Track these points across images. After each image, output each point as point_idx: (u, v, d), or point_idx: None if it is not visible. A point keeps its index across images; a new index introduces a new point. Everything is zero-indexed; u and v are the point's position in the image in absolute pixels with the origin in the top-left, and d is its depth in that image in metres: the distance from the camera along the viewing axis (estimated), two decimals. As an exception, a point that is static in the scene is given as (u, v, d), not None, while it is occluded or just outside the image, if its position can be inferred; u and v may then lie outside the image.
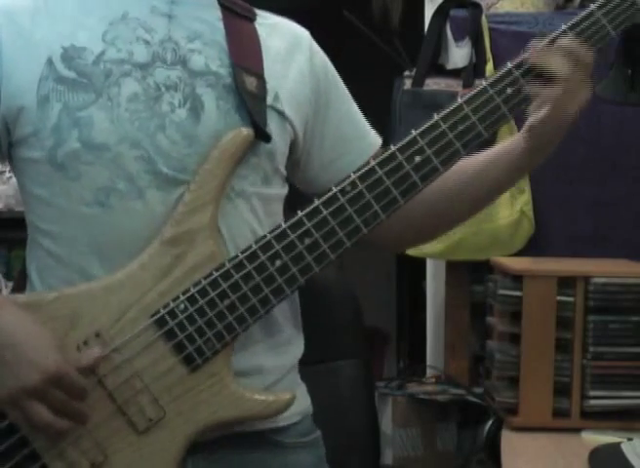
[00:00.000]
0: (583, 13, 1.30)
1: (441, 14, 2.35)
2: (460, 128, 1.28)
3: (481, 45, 2.28)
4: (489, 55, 2.28)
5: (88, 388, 1.19)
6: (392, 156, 1.27)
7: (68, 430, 1.19)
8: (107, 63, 1.25)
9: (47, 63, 1.25)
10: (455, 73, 2.31)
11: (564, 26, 1.29)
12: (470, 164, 1.35)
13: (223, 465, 1.28)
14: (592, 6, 1.30)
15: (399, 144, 1.27)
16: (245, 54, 1.31)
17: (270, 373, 1.31)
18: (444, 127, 1.28)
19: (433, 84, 2.29)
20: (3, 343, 1.17)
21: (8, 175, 2.84)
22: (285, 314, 1.34)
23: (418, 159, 1.27)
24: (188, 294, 1.22)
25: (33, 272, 1.29)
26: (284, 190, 1.36)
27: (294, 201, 1.37)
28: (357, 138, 1.42)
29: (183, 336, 1.22)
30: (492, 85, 1.31)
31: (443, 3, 2.35)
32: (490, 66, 2.27)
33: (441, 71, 2.33)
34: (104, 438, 1.21)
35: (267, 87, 1.30)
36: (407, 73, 2.35)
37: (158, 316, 1.22)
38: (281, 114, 1.31)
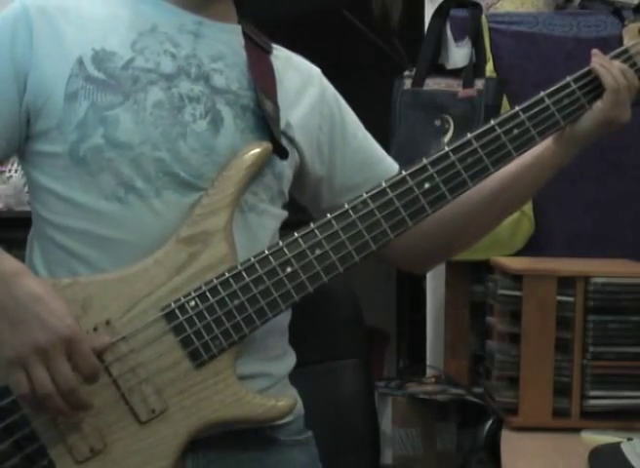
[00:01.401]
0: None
1: (441, 14, 2.35)
2: (469, 160, 1.35)
3: (481, 45, 2.28)
4: (489, 54, 2.28)
5: (98, 371, 1.19)
6: (403, 180, 1.33)
7: (63, 413, 1.18)
8: (136, 70, 1.29)
9: (77, 62, 1.29)
10: (455, 73, 2.31)
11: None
12: (499, 176, 1.41)
13: (223, 461, 1.30)
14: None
15: (410, 170, 1.34)
16: (263, 80, 1.36)
17: (271, 378, 1.35)
18: (453, 158, 1.34)
19: (433, 84, 2.29)
20: (22, 302, 1.18)
21: (8, 174, 2.83)
22: (285, 325, 1.39)
23: (427, 185, 1.33)
24: (200, 292, 1.25)
25: (39, 263, 1.30)
26: (284, 213, 1.41)
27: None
28: (376, 163, 1.49)
29: (192, 332, 1.25)
30: (500, 124, 1.37)
31: (443, 3, 2.35)
32: (490, 66, 2.27)
33: (441, 71, 2.33)
34: (106, 425, 1.23)
35: (280, 114, 1.36)
36: (407, 73, 2.35)
37: (168, 309, 1.25)
38: (291, 141, 1.37)
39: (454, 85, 2.27)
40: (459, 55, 2.31)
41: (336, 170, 1.45)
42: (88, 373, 1.18)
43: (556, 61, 2.24)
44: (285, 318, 1.38)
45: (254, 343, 1.29)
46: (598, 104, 1.39)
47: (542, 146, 1.41)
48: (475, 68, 2.28)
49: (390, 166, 1.50)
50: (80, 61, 1.29)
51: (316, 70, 1.47)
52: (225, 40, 1.37)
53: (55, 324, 1.16)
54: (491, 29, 2.31)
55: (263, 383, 1.33)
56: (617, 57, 1.43)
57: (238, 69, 1.35)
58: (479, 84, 2.23)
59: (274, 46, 1.45)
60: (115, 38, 1.31)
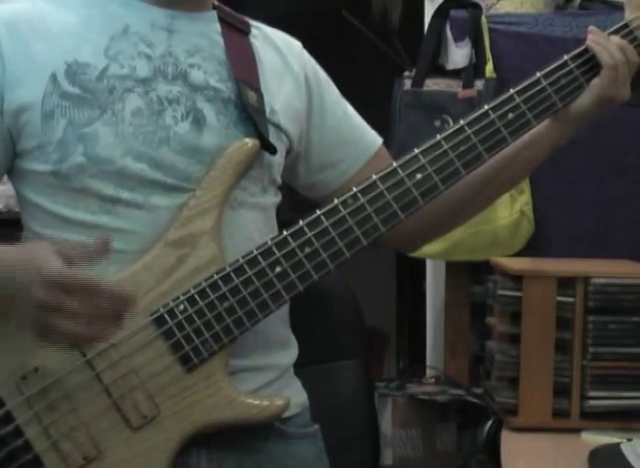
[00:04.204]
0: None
1: (441, 14, 2.35)
2: (462, 148, 1.32)
3: (481, 45, 2.29)
4: (489, 55, 2.28)
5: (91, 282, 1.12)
6: (394, 172, 1.30)
7: (106, 334, 1.15)
8: (111, 79, 1.27)
9: (51, 79, 1.26)
10: (455, 73, 2.31)
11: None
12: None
13: (236, 455, 1.30)
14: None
15: (401, 161, 1.31)
16: (244, 68, 1.33)
17: (276, 370, 1.35)
18: (446, 147, 1.31)
19: (433, 84, 2.29)
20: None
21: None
22: (286, 314, 1.38)
23: (419, 176, 1.30)
24: (188, 295, 1.24)
25: None
26: (278, 198, 1.39)
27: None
28: (356, 140, 1.46)
29: (181, 336, 1.24)
30: (493, 109, 1.35)
31: (443, 3, 2.35)
32: (490, 66, 2.27)
33: (441, 72, 2.33)
34: (99, 432, 1.22)
35: (264, 100, 1.33)
36: (407, 73, 2.35)
37: (157, 314, 1.24)
38: (277, 127, 1.35)
39: (453, 85, 2.27)
40: (458, 55, 2.32)
41: (312, 147, 1.42)
42: (89, 290, 1.12)
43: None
44: (284, 306, 1.35)
45: (257, 335, 1.29)
46: (595, 81, 1.36)
47: (539, 126, 1.38)
48: (475, 69, 2.28)
49: (372, 142, 1.46)
50: (54, 78, 1.26)
51: (297, 45, 1.44)
52: (201, 31, 1.34)
53: (29, 279, 1.11)
54: (491, 30, 2.31)
55: (270, 375, 1.33)
56: (616, 32, 1.39)
57: (216, 61, 1.32)
58: (479, 84, 2.23)
59: (252, 24, 1.41)
60: (87, 47, 1.28)
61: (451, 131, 1.33)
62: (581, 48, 1.38)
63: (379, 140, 1.48)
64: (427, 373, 2.49)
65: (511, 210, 2.24)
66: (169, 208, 1.26)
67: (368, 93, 2.34)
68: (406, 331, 3.81)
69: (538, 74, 1.36)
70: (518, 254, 2.24)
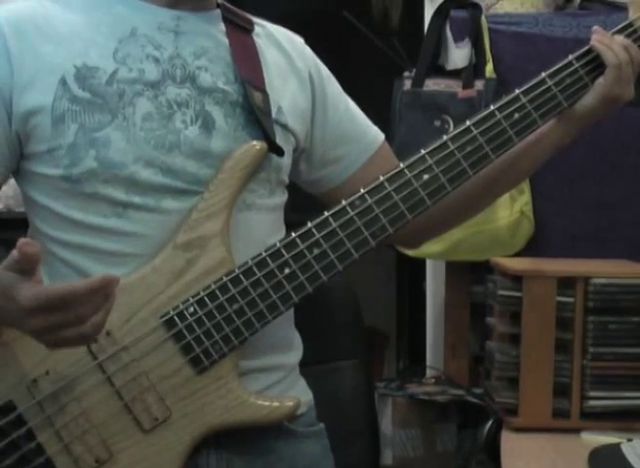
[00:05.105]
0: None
1: (441, 14, 2.35)
2: (469, 149, 1.32)
3: (481, 45, 2.29)
4: (488, 55, 2.28)
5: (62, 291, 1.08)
6: (401, 173, 1.30)
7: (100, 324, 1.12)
8: (120, 84, 1.27)
9: (60, 83, 1.26)
10: (454, 74, 2.31)
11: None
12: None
13: (245, 455, 1.31)
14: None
15: (408, 162, 1.31)
16: (249, 69, 1.33)
17: (283, 370, 1.35)
18: (453, 147, 1.32)
19: (433, 84, 2.29)
20: None
21: (8, 175, 2.82)
22: (291, 312, 1.37)
23: (426, 177, 1.31)
24: (198, 298, 1.25)
25: (45, 279, 1.27)
26: (284, 197, 1.39)
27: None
28: (359, 136, 1.46)
29: (192, 338, 1.24)
30: (499, 109, 1.35)
31: (443, 3, 2.35)
32: (490, 67, 2.27)
33: (441, 72, 2.33)
34: (110, 435, 1.23)
35: (270, 101, 1.33)
36: (407, 74, 2.35)
37: (167, 317, 1.24)
38: (284, 127, 1.35)
39: (453, 85, 2.27)
40: (458, 55, 2.32)
41: (315, 143, 1.42)
42: (68, 298, 1.08)
43: (556, 62, 2.24)
44: None
45: (264, 336, 1.29)
46: (600, 81, 1.37)
47: (544, 125, 1.38)
48: (475, 69, 2.28)
49: (375, 138, 1.47)
50: (63, 82, 1.25)
51: (299, 42, 1.44)
52: (206, 31, 1.34)
53: (15, 311, 1.09)
54: (490, 30, 2.31)
55: (277, 375, 1.34)
56: (620, 31, 1.39)
57: (223, 62, 1.33)
58: (479, 85, 2.23)
59: (255, 21, 1.41)
60: (95, 50, 1.28)
61: (457, 131, 1.33)
62: (586, 47, 1.38)
63: (381, 136, 1.48)
64: (427, 373, 2.49)
65: (511, 210, 2.24)
66: (180, 211, 1.27)
67: (368, 93, 2.34)
68: (406, 331, 3.81)
69: (543, 74, 1.37)
70: (518, 254, 2.24)
